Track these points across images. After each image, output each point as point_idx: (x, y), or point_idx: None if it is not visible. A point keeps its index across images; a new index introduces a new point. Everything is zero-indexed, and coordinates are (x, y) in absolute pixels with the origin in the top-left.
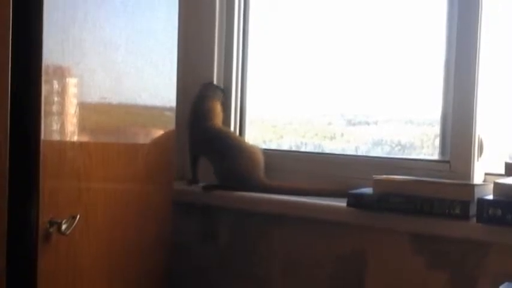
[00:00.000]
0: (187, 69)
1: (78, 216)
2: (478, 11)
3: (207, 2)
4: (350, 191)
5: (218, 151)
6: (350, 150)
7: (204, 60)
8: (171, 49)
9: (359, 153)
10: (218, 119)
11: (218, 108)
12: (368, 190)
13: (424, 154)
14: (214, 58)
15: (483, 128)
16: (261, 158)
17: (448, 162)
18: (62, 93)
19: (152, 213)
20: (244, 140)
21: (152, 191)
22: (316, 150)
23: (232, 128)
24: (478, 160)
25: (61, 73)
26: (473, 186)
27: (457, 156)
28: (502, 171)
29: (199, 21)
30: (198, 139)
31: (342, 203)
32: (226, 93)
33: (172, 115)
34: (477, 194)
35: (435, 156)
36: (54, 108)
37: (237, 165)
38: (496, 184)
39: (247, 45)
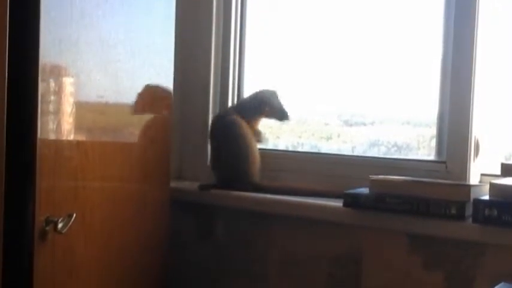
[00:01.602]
0: (184, 68)
1: (74, 215)
2: (475, 11)
3: (204, 1)
4: (346, 191)
5: (223, 146)
6: (346, 151)
7: (201, 59)
8: (168, 48)
9: (355, 154)
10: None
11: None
12: (364, 190)
13: (421, 155)
14: (211, 57)
15: (479, 128)
16: (258, 160)
17: (444, 162)
18: (59, 92)
19: (149, 212)
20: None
21: (149, 190)
22: (313, 151)
23: None
24: (474, 161)
25: (58, 72)
26: (469, 186)
27: (453, 157)
28: (498, 172)
29: (197, 20)
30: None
31: (338, 203)
32: (222, 92)
33: (168, 114)
34: (473, 195)
35: (431, 156)
36: (51, 107)
37: (236, 165)
38: (492, 185)
39: (244, 44)
